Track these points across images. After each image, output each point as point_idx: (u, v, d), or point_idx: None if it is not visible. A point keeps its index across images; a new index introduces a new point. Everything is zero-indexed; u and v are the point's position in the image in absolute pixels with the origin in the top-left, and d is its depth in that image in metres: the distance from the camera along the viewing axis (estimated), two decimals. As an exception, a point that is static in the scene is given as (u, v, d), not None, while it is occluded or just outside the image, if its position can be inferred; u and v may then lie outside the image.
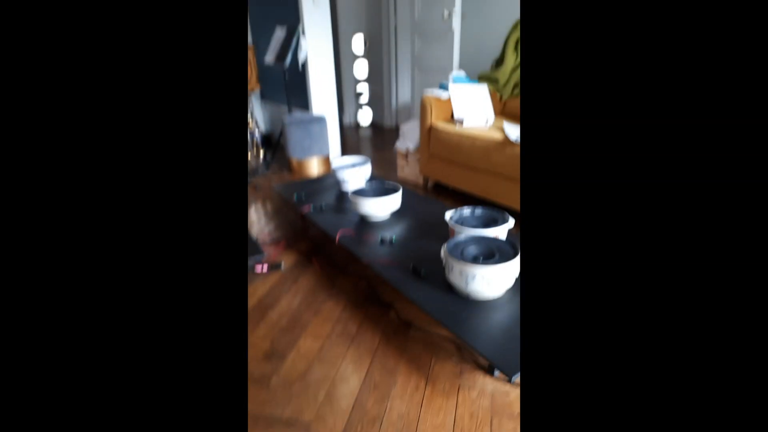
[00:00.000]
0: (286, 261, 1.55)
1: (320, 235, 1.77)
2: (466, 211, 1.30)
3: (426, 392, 0.93)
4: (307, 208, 1.61)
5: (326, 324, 1.18)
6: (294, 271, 1.48)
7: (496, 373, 0.98)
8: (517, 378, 0.82)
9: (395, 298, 1.29)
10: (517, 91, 2.18)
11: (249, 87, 2.86)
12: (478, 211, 1.30)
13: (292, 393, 0.94)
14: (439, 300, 1.02)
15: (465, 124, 2.00)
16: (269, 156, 3.05)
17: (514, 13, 2.50)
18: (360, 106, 4.31)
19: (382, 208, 1.45)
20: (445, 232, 1.36)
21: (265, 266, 1.49)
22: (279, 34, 2.67)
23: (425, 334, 1.13)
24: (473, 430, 0.84)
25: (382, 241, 1.32)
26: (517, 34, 2.11)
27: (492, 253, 1.06)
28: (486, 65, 2.82)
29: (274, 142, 3.36)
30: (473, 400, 0.91)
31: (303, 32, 2.60)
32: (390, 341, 1.10)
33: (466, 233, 1.14)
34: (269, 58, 2.68)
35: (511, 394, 0.92)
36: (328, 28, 2.70)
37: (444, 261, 1.04)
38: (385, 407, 0.90)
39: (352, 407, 0.90)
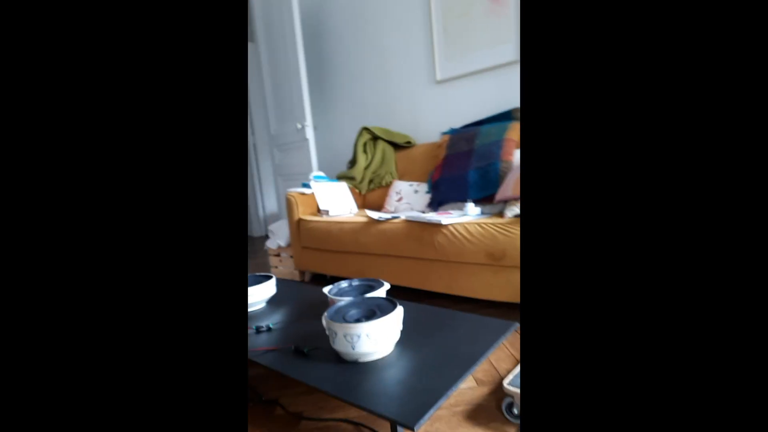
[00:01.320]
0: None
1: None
2: (344, 284, 1.31)
3: (327, 485, 0.79)
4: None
5: (194, 445, 0.94)
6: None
7: (400, 437, 0.90)
8: (419, 426, 0.77)
9: (281, 393, 1.13)
10: (373, 185, 2.46)
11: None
12: (355, 282, 1.32)
13: None
14: (328, 373, 0.94)
15: (331, 214, 2.11)
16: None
17: (357, 121, 2.95)
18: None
19: (255, 296, 1.34)
20: (325, 308, 1.32)
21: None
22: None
23: (317, 422, 0.99)
24: (387, 508, 0.73)
25: (258, 330, 1.20)
26: (363, 138, 2.47)
27: (373, 312, 1.06)
28: (341, 167, 3.16)
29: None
30: (382, 476, 0.80)
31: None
32: (278, 441, 0.93)
33: (346, 300, 1.13)
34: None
35: (419, 456, 0.85)
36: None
37: (327, 329, 0.99)
38: None
39: None
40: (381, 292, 1.24)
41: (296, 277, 2.30)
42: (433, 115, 2.47)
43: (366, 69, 2.80)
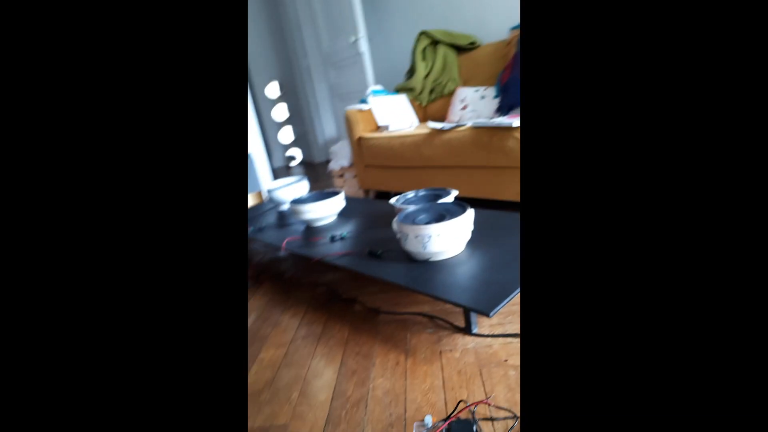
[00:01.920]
0: (233, 288, 1.42)
1: (266, 260, 1.66)
2: (410, 194, 1.31)
3: (408, 364, 0.87)
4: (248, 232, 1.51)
5: (288, 332, 1.08)
6: (243, 295, 1.35)
7: (474, 328, 0.95)
8: (494, 312, 0.79)
9: (358, 292, 1.22)
10: (434, 95, 2.32)
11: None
12: (422, 192, 1.32)
13: (260, 402, 0.82)
14: (402, 270, 0.98)
15: (391, 129, 2.06)
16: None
17: (414, 26, 2.72)
18: (286, 147, 4.31)
19: (326, 209, 1.41)
20: (393, 217, 1.35)
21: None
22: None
23: (395, 315, 1.07)
24: (464, 384, 0.79)
25: (333, 239, 1.27)
26: (422, 44, 2.28)
27: (442, 215, 1.06)
28: (399, 79, 3.00)
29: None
30: (457, 359, 0.86)
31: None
32: (360, 330, 1.03)
33: (415, 207, 1.14)
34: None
35: (494, 345, 0.89)
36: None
37: (398, 233, 1.02)
38: (368, 388, 0.81)
39: (332, 397, 0.80)
40: (449, 199, 1.22)
41: (361, 194, 2.36)
42: (501, 7, 2.19)
43: (420, -37, 2.50)
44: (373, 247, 1.13)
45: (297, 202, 1.47)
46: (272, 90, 4.06)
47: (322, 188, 2.90)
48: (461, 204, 1.07)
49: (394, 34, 2.89)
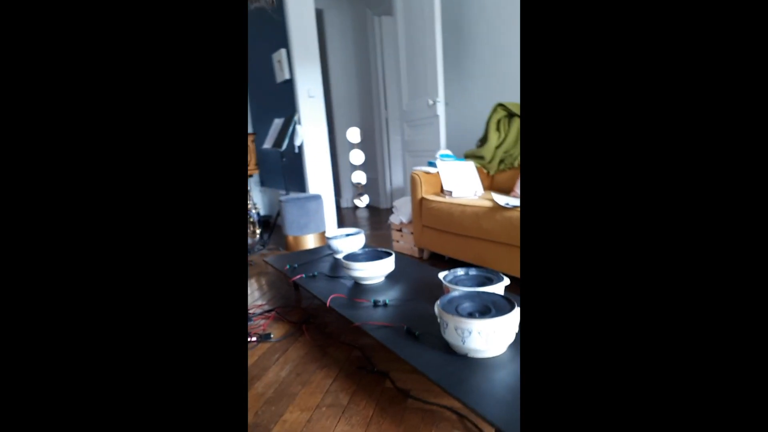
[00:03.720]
0: (277, 332, 1.47)
1: (313, 305, 1.71)
2: (460, 271, 1.29)
3: (426, 468, 0.82)
4: (299, 276, 1.58)
5: (315, 395, 1.08)
6: (284, 342, 1.40)
7: (504, 442, 0.87)
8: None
9: (391, 366, 1.20)
10: (503, 166, 2.31)
11: (248, 171, 3.01)
12: (473, 271, 1.29)
13: (272, 473, 0.83)
14: (436, 361, 0.95)
15: (454, 195, 2.07)
16: (266, 236, 3.08)
17: (492, 97, 2.77)
18: (358, 190, 4.50)
19: (375, 270, 1.43)
20: (439, 294, 1.33)
21: (254, 337, 1.42)
22: (277, 122, 2.91)
23: (424, 403, 1.03)
24: None
25: (376, 304, 1.28)
26: (497, 115, 2.31)
27: (488, 309, 1.02)
28: (470, 145, 3.04)
29: (271, 224, 3.42)
30: (480, 476, 0.79)
31: (299, 121, 2.84)
32: (385, 413, 1.00)
33: (461, 290, 1.12)
34: (268, 143, 2.87)
35: (523, 467, 0.81)
36: (323, 116, 2.95)
37: (438, 318, 1.00)
38: (380, 486, 0.78)
39: (342, 487, 0.78)
40: (499, 288, 1.18)
41: (415, 253, 2.37)
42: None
43: (507, 40, 2.58)
44: (413, 325, 1.11)
45: (349, 258, 1.52)
46: (353, 135, 4.32)
47: (381, 236, 2.96)
48: (510, 299, 1.03)
49: (471, 101, 2.97)
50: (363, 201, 4.36)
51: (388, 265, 1.46)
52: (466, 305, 1.04)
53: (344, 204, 4.57)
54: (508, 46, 2.59)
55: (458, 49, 3.02)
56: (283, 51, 2.88)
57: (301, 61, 2.80)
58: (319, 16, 4.08)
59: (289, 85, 2.92)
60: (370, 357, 1.26)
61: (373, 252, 1.57)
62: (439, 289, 1.36)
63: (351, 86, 4.34)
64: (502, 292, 1.16)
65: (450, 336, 0.96)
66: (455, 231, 1.96)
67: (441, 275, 1.25)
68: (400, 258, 1.74)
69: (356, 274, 1.43)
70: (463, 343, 0.94)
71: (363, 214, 4.01)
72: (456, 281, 1.25)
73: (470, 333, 0.92)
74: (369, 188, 4.49)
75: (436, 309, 1.02)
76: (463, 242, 1.95)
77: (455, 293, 1.08)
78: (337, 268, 1.70)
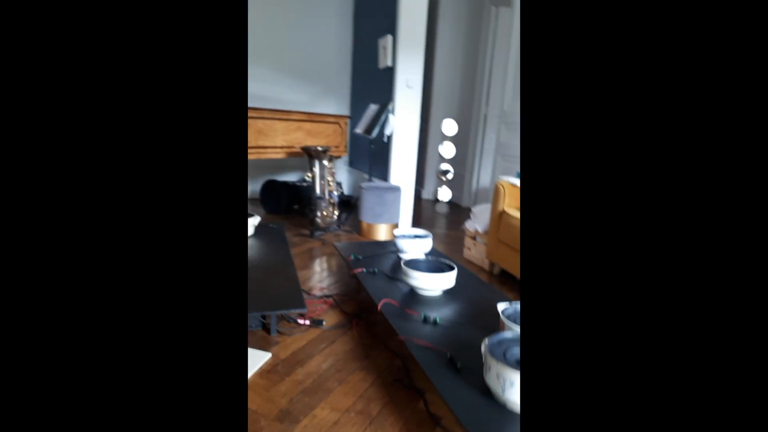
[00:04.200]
0: (330, 320, 1.53)
1: (369, 300, 1.74)
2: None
3: None
4: (360, 270, 1.61)
5: (349, 397, 1.11)
6: (334, 332, 1.45)
7: None
8: None
9: (428, 386, 1.17)
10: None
11: (337, 153, 3.13)
12: (537, 308, 1.18)
13: (290, 465, 0.87)
14: (472, 402, 0.90)
15: (539, 215, 1.91)
16: (344, 216, 3.20)
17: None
18: (442, 183, 4.42)
19: (433, 283, 1.39)
20: (495, 325, 1.25)
21: (308, 321, 1.49)
22: (372, 108, 2.95)
23: (452, 437, 0.99)
24: None
25: (425, 320, 1.25)
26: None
27: (541, 360, 0.92)
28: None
29: (352, 205, 3.54)
30: None
31: (393, 111, 2.83)
32: (410, 435, 0.98)
33: (515, 332, 1.03)
34: (359, 128, 2.93)
35: None
36: (417, 109, 2.90)
37: (483, 358, 0.94)
38: None
39: (348, 503, 0.79)
40: (562, 336, 1.06)
41: (485, 266, 2.25)
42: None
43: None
44: (457, 354, 1.06)
45: (410, 264, 1.50)
46: (448, 127, 4.22)
47: (453, 239, 2.88)
48: (569, 356, 0.92)
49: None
50: (445, 195, 4.26)
51: (447, 280, 1.40)
52: (516, 350, 0.96)
53: (425, 195, 4.53)
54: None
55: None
56: (389, 37, 2.87)
57: (405, 50, 2.77)
58: (435, 2, 3.97)
59: (390, 72, 2.92)
60: (410, 370, 1.24)
61: (436, 263, 1.53)
62: (496, 321, 1.27)
63: (455, 76, 4.20)
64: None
65: (491, 381, 0.90)
66: (531, 254, 1.81)
67: (500, 307, 1.17)
68: (464, 271, 1.67)
69: (413, 282, 1.41)
70: (503, 393, 0.87)
71: (442, 209, 3.93)
72: (515, 318, 1.15)
73: (512, 384, 0.85)
74: (454, 183, 4.37)
75: (483, 347, 0.95)
76: (537, 267, 1.80)
77: (509, 334, 1.00)
78: (398, 268, 1.69)
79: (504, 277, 2.15)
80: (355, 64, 3.90)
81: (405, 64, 2.80)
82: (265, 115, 2.60)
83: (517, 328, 1.05)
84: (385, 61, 2.96)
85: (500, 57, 3.59)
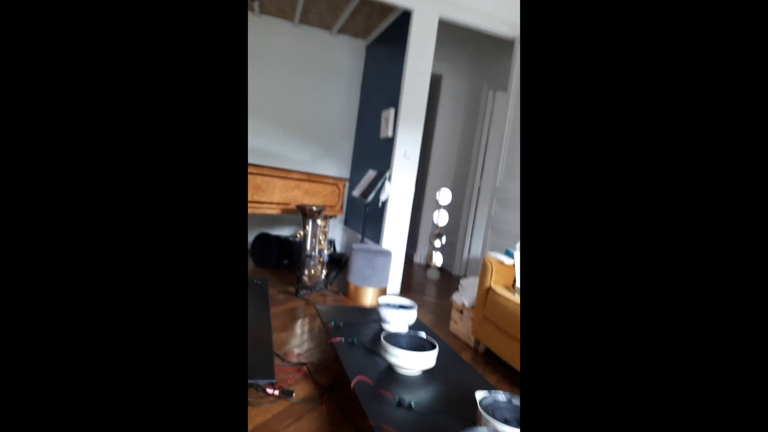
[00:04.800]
0: (301, 391, 1.45)
1: (345, 372, 1.66)
2: (502, 397, 1.13)
3: None
4: (338, 339, 1.56)
5: (307, 487, 1.01)
6: (303, 406, 1.36)
7: None
8: None
9: (396, 480, 1.08)
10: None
11: (332, 213, 3.17)
12: (516, 400, 1.12)
13: None
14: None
15: (525, 295, 1.89)
16: (333, 275, 3.17)
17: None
18: (434, 248, 4.43)
19: (412, 362, 1.34)
20: (473, 415, 1.18)
21: (277, 390, 1.41)
22: (370, 174, 3.04)
23: None
24: None
25: (400, 403, 1.18)
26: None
27: (516, 464, 0.86)
28: (561, 240, 2.79)
29: (342, 264, 3.51)
30: None
31: (390, 178, 2.92)
32: None
33: (491, 427, 0.97)
34: (356, 192, 3.00)
35: None
36: (413, 178, 3.00)
37: (456, 454, 0.87)
38: None
39: None
40: None
41: (471, 342, 2.19)
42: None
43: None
44: (429, 447, 0.99)
45: (390, 339, 1.45)
46: (444, 196, 4.32)
47: (441, 309, 2.82)
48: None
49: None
50: (437, 260, 4.25)
51: (428, 360, 1.35)
52: (492, 450, 0.90)
53: (417, 259, 4.52)
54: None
55: (568, 137, 2.87)
56: (392, 110, 3.05)
57: (406, 122, 2.93)
58: (437, 80, 4.28)
59: (390, 142, 3.06)
60: (379, 460, 1.15)
61: (418, 339, 1.48)
62: (474, 410, 1.21)
63: (452, 150, 4.40)
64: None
65: (461, 484, 0.83)
66: (517, 336, 1.77)
67: (478, 396, 1.12)
68: (446, 349, 1.61)
69: (392, 360, 1.35)
70: (474, 502, 0.80)
71: (433, 276, 3.90)
72: (493, 409, 1.09)
73: (484, 493, 0.78)
74: (446, 250, 4.38)
75: (455, 442, 0.89)
76: (522, 350, 1.74)
77: (484, 430, 0.94)
78: (378, 340, 1.64)
79: (488, 357, 2.08)
80: (359, 131, 4.10)
81: (404, 136, 2.94)
82: (265, 172, 2.68)
83: (492, 424, 0.99)
84: (386, 131, 3.11)
85: (495, 136, 3.79)
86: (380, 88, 3.52)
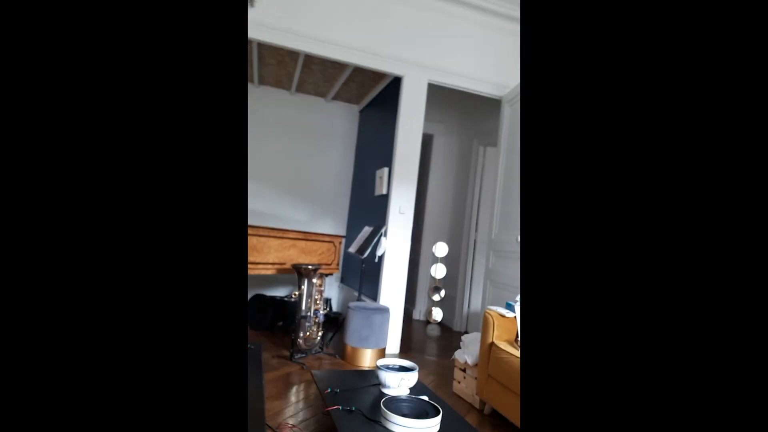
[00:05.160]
0: (295, 469, 1.34)
1: (344, 444, 1.54)
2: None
3: None
4: (335, 408, 1.47)
5: None
6: (297, 485, 1.25)
7: None
8: None
9: None
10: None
11: (328, 270, 3.15)
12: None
13: None
14: None
15: (529, 351, 1.82)
16: (329, 336, 3.06)
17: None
18: (434, 303, 4.34)
19: (417, 430, 1.25)
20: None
21: (269, 469, 1.30)
22: (366, 230, 3.06)
23: None
24: None
25: (402, 479, 1.09)
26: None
27: None
28: (561, 291, 2.75)
29: (339, 324, 3.41)
30: None
31: (385, 233, 2.94)
32: None
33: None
34: (353, 248, 3.00)
35: None
36: (408, 233, 3.03)
37: None
38: None
39: None
40: None
41: (476, 403, 2.07)
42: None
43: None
44: None
45: (389, 405, 1.37)
46: (440, 249, 4.32)
47: (443, 368, 2.70)
48: None
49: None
50: (437, 316, 4.14)
51: (431, 427, 1.27)
52: None
53: (416, 315, 4.40)
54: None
55: (558, 188, 2.95)
56: (386, 169, 3.15)
57: (399, 180, 3.01)
58: (429, 140, 4.47)
59: (385, 199, 3.12)
60: None
61: (420, 403, 1.40)
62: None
63: (446, 204, 4.48)
64: None
65: None
66: (523, 395, 1.68)
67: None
68: (450, 413, 1.52)
69: (393, 429, 1.27)
70: None
71: (433, 332, 3.77)
72: (503, 481, 1.01)
73: None
74: (445, 305, 4.28)
75: None
76: (531, 412, 1.64)
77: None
78: (377, 407, 1.55)
79: (495, 418, 1.95)
80: (354, 189, 4.20)
81: (399, 192, 3.01)
82: (261, 232, 2.69)
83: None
84: (381, 189, 3.19)
85: (488, 189, 3.89)
86: (374, 148, 3.66)
